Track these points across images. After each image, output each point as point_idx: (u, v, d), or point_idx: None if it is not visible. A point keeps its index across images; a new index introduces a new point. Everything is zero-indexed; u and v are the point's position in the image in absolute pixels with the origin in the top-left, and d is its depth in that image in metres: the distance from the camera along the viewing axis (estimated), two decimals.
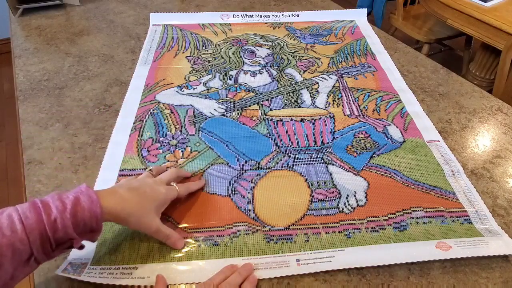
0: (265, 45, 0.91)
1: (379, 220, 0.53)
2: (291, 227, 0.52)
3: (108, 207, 0.41)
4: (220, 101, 0.74)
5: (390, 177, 0.59)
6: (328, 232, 0.51)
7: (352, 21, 1.02)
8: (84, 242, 0.42)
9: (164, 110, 0.71)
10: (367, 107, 0.73)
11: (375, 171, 0.60)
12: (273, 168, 0.60)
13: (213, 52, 0.88)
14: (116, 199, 0.42)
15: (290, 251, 0.49)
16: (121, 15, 1.04)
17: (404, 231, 0.52)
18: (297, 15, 1.03)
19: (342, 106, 0.73)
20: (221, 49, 0.89)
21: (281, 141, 0.65)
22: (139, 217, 0.44)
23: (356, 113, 0.72)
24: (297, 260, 0.48)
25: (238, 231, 0.51)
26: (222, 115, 0.70)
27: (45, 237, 0.36)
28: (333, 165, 0.61)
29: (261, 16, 1.02)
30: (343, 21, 1.02)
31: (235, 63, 0.85)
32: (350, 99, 0.75)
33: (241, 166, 0.60)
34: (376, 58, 0.88)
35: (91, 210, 0.39)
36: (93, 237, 0.41)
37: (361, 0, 2.23)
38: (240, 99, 0.74)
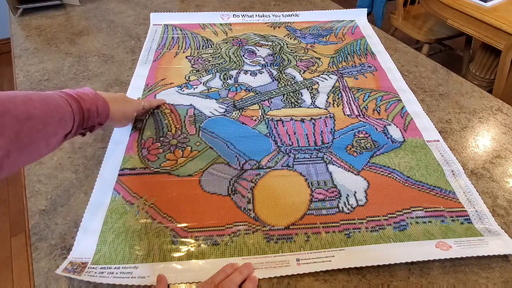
0: (265, 45, 0.91)
1: (379, 220, 0.53)
2: (291, 227, 0.52)
3: (112, 110, 0.55)
4: (220, 101, 0.74)
5: (390, 177, 0.59)
6: (328, 232, 0.51)
7: (352, 21, 1.02)
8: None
9: (164, 110, 0.71)
10: (367, 107, 0.73)
11: (375, 171, 0.60)
12: (273, 168, 0.60)
13: (213, 52, 0.88)
14: (115, 106, 0.56)
15: (290, 250, 0.49)
16: (121, 15, 1.04)
17: (404, 230, 0.52)
18: (297, 15, 1.03)
19: (342, 106, 0.73)
20: (221, 49, 0.89)
21: (281, 140, 0.65)
22: (126, 120, 0.63)
23: (356, 113, 0.72)
24: (297, 260, 0.48)
25: (238, 230, 0.51)
26: (222, 115, 0.70)
27: (81, 120, 0.48)
28: (333, 164, 0.61)
29: (261, 16, 1.02)
30: (343, 21, 1.02)
31: (235, 63, 0.85)
32: (350, 99, 0.75)
33: (241, 165, 0.60)
34: (376, 58, 0.88)
35: (105, 108, 0.53)
36: (97, 129, 0.54)
37: (361, 0, 2.23)
38: (240, 99, 0.74)
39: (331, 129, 0.68)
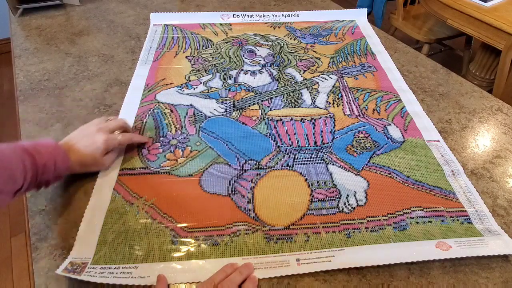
0: (265, 45, 0.91)
1: (379, 220, 0.53)
2: (291, 227, 0.52)
3: (72, 161, 0.53)
4: (220, 100, 0.74)
5: (390, 177, 0.59)
6: (328, 232, 0.51)
7: (352, 21, 1.02)
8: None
9: (164, 110, 0.71)
10: (367, 107, 0.73)
11: (375, 170, 0.60)
12: (273, 168, 0.60)
13: (213, 52, 0.88)
14: (76, 156, 0.54)
15: (290, 250, 0.49)
16: (121, 15, 1.04)
17: (404, 230, 0.52)
18: (297, 15, 1.03)
19: (342, 106, 0.73)
20: (221, 49, 0.89)
21: (281, 140, 0.65)
22: (90, 167, 0.57)
23: (356, 113, 0.72)
24: (297, 260, 0.48)
25: (238, 230, 0.51)
26: (222, 115, 0.71)
27: (34, 176, 0.46)
28: (333, 164, 0.61)
29: (261, 16, 1.02)
30: (343, 21, 1.02)
31: (235, 63, 0.85)
32: (350, 99, 0.75)
33: (241, 165, 0.60)
34: (376, 58, 0.88)
35: (64, 161, 0.51)
36: (54, 183, 0.52)
37: (361, 0, 2.23)
38: (240, 99, 0.74)
39: (331, 129, 0.68)
